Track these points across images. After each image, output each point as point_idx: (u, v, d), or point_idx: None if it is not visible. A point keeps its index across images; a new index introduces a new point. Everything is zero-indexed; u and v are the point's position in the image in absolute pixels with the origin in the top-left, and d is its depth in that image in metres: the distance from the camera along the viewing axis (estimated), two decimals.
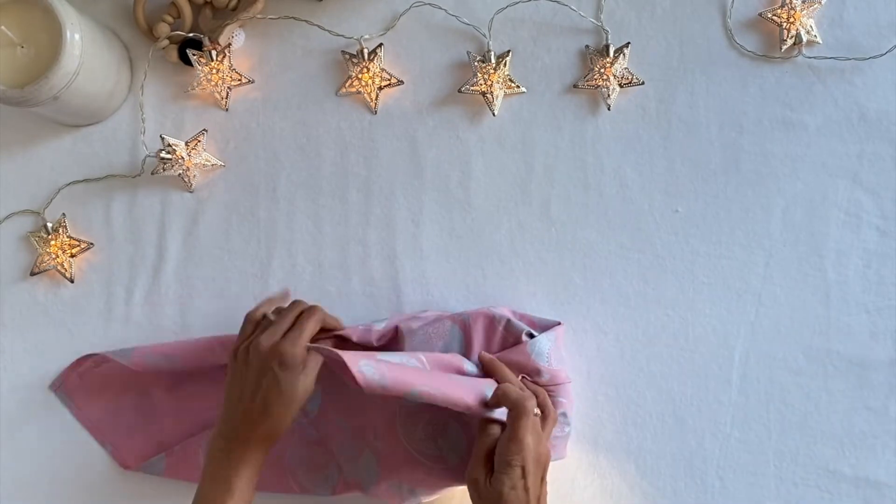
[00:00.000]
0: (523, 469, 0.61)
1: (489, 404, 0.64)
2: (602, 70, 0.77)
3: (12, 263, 0.81)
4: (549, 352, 0.70)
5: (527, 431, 0.61)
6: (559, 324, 0.73)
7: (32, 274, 0.80)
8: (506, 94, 0.79)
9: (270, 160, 0.80)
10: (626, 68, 0.78)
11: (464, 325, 0.72)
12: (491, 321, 0.71)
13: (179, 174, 0.79)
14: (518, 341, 0.70)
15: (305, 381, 0.65)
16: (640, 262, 0.78)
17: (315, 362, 0.66)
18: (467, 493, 0.64)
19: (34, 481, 0.79)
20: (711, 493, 0.76)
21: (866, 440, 0.75)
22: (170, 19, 0.79)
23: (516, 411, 0.62)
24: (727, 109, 0.78)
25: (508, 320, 0.71)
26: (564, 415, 0.70)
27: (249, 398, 0.64)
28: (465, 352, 0.71)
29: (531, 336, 0.70)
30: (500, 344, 0.71)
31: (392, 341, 0.72)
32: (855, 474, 0.75)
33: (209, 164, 0.79)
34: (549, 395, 0.69)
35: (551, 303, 0.77)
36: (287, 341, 0.65)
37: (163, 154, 0.78)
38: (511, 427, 0.62)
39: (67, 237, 0.80)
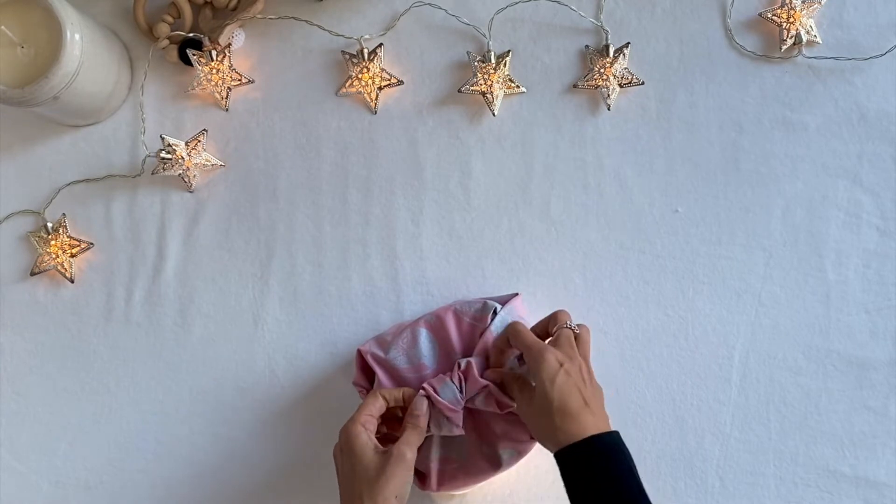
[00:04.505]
0: (560, 363, 0.63)
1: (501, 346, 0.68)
2: (602, 70, 0.78)
3: (12, 263, 0.81)
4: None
5: (528, 336, 0.66)
6: (516, 295, 0.74)
7: (32, 274, 0.80)
8: (506, 94, 0.79)
9: (270, 160, 0.80)
10: (626, 68, 0.78)
11: (432, 326, 0.72)
12: (456, 316, 0.72)
13: (179, 174, 0.79)
14: (485, 327, 0.71)
15: (361, 461, 0.64)
16: (640, 262, 0.78)
17: (365, 440, 0.65)
18: (467, 495, 0.64)
19: (34, 481, 0.79)
20: (711, 493, 0.76)
21: (866, 440, 0.75)
22: (170, 19, 0.79)
23: (511, 332, 0.66)
24: (727, 109, 0.78)
25: (473, 312, 0.72)
26: None
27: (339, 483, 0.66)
28: (446, 348, 0.72)
29: (496, 313, 0.71)
30: (470, 334, 0.71)
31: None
32: (855, 474, 0.75)
33: (209, 164, 0.79)
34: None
35: (551, 303, 0.77)
36: (346, 424, 0.66)
37: (163, 154, 0.78)
38: (518, 342, 0.66)
39: (67, 237, 0.80)
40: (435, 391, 0.67)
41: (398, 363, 0.71)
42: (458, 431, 0.67)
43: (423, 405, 0.67)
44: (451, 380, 0.67)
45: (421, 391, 0.67)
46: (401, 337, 0.72)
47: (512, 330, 0.67)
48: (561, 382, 0.62)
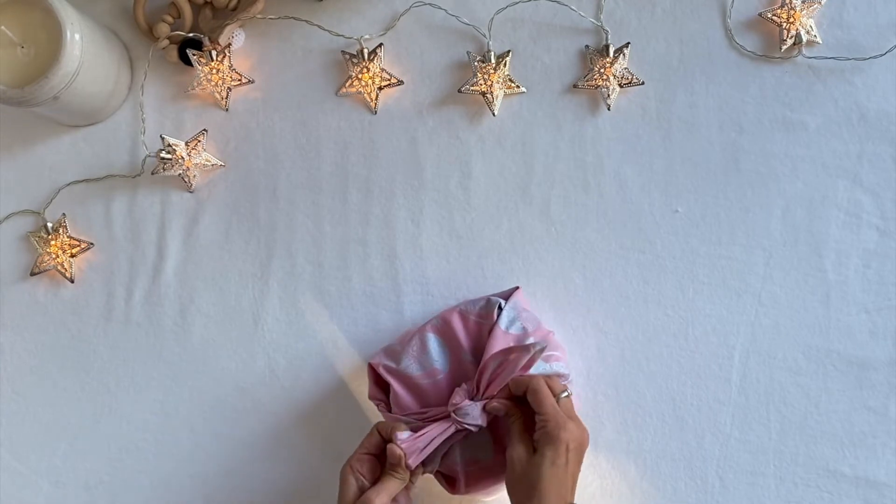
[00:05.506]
0: (567, 446, 0.62)
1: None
2: (602, 70, 0.78)
3: (12, 263, 0.81)
4: (519, 320, 0.71)
5: (550, 400, 0.64)
6: (517, 288, 0.74)
7: (32, 274, 0.80)
8: (506, 94, 0.79)
9: (270, 160, 0.80)
10: (626, 68, 0.78)
11: (439, 330, 0.72)
12: (462, 316, 0.72)
13: (179, 174, 0.79)
14: (493, 324, 0.71)
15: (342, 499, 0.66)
16: (640, 262, 0.78)
17: (347, 483, 0.66)
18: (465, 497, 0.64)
19: (34, 481, 0.79)
20: (711, 493, 0.76)
21: (866, 440, 0.75)
22: (170, 19, 0.79)
23: (533, 388, 0.65)
24: (727, 109, 0.78)
25: (478, 311, 0.72)
26: (564, 375, 0.71)
27: None
28: (456, 350, 0.72)
29: (501, 309, 0.71)
30: (478, 332, 0.72)
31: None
32: (855, 474, 0.75)
33: (209, 164, 0.79)
34: (545, 356, 0.70)
35: (551, 303, 0.77)
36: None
37: (163, 154, 0.78)
38: (538, 406, 0.64)
39: (67, 237, 0.80)
40: (462, 416, 0.67)
41: (411, 371, 0.71)
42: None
43: (396, 452, 0.66)
44: (469, 397, 0.68)
45: (399, 434, 0.66)
46: (410, 345, 0.72)
47: (534, 387, 0.65)
48: (559, 467, 0.62)
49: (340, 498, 0.65)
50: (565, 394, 0.66)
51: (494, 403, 0.67)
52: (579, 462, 0.64)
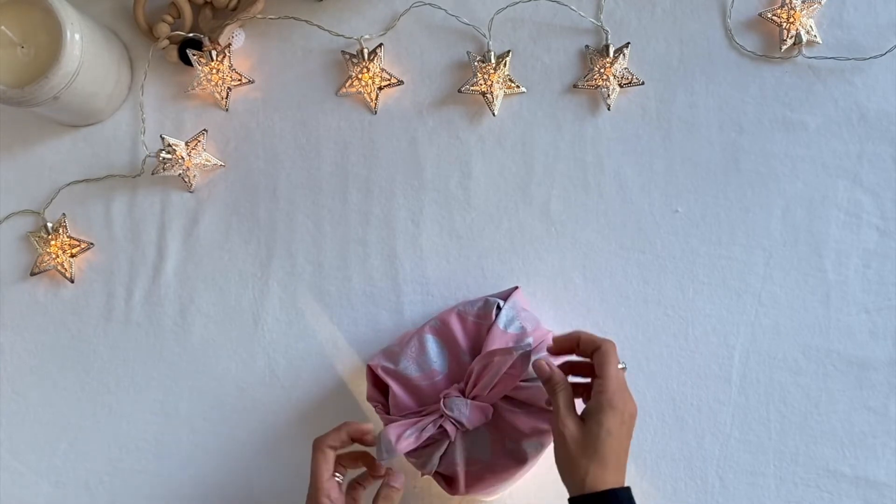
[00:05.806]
0: (623, 417, 0.62)
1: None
2: (602, 70, 0.78)
3: (12, 263, 0.81)
4: (518, 319, 0.71)
5: (615, 366, 0.63)
6: (516, 288, 0.74)
7: (32, 274, 0.80)
8: (506, 94, 0.79)
9: (270, 160, 0.80)
10: (626, 68, 0.78)
11: (437, 331, 0.72)
12: (460, 317, 0.72)
13: (179, 174, 0.79)
14: (491, 323, 0.71)
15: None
16: (640, 262, 0.78)
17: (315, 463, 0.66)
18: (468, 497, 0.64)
19: (34, 481, 0.79)
20: (711, 493, 0.76)
21: (866, 440, 0.75)
22: (170, 19, 0.79)
23: (603, 351, 0.64)
24: (727, 109, 0.78)
25: (476, 311, 0.72)
26: None
27: None
28: (455, 351, 0.72)
29: (499, 309, 0.71)
30: (476, 332, 0.72)
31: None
32: (855, 474, 0.75)
33: (209, 164, 0.79)
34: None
35: (551, 303, 0.77)
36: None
37: (163, 154, 0.78)
38: (603, 369, 0.63)
39: (67, 237, 0.80)
40: (448, 409, 0.67)
41: (410, 372, 0.71)
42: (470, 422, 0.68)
43: (401, 479, 0.66)
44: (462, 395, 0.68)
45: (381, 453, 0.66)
46: (408, 346, 0.72)
47: (605, 349, 0.64)
48: (616, 437, 0.61)
49: (315, 473, 0.65)
50: (621, 365, 0.65)
51: (542, 363, 0.65)
52: (630, 437, 0.63)
